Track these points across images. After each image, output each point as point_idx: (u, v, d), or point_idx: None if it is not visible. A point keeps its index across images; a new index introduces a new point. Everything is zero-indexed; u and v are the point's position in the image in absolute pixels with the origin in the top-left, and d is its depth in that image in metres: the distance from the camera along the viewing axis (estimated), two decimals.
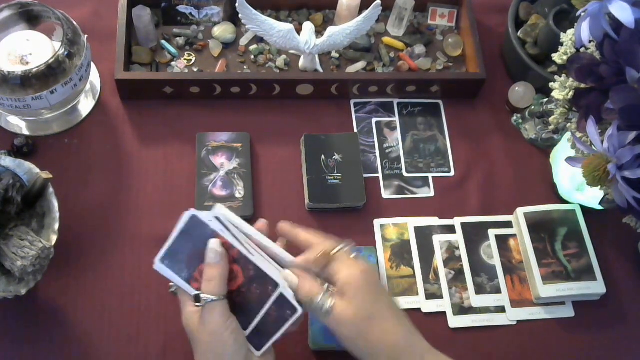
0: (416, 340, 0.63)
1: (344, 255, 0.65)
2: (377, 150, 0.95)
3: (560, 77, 0.76)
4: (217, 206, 0.67)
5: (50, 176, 0.75)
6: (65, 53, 0.81)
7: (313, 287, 0.63)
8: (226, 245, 0.65)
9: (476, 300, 0.84)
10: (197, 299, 0.64)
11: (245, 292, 0.65)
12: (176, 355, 0.78)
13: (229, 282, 0.65)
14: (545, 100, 0.95)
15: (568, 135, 0.78)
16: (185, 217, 0.64)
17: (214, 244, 0.64)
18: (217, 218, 0.65)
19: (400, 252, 0.87)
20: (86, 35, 0.85)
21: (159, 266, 0.65)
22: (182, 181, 0.89)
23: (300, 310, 0.63)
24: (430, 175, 0.94)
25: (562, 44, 0.76)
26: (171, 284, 0.68)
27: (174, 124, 0.93)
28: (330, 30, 0.92)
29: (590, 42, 0.68)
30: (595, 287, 0.85)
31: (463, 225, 0.90)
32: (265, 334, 0.65)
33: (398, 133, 0.96)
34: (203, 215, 0.64)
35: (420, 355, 0.62)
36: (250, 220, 0.85)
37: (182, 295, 0.66)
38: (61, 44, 0.81)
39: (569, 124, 0.76)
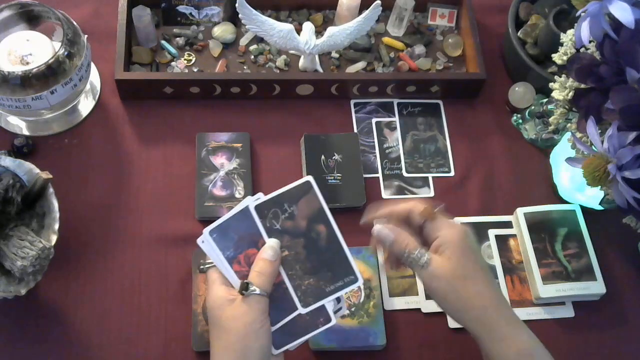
0: (503, 307, 0.65)
1: (444, 216, 0.68)
2: (377, 151, 0.95)
3: (560, 77, 0.76)
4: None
5: (50, 176, 0.75)
6: (65, 53, 0.81)
7: (410, 241, 0.66)
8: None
9: None
10: (245, 287, 0.62)
11: (286, 288, 0.64)
12: (176, 355, 0.78)
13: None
14: (545, 100, 0.95)
15: (568, 135, 0.78)
16: (251, 199, 0.64)
17: (274, 243, 0.64)
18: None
19: None
20: (86, 35, 0.85)
21: (206, 238, 0.63)
22: (182, 181, 0.89)
23: (333, 321, 0.64)
24: (430, 176, 0.94)
25: (562, 44, 0.76)
26: (203, 261, 0.66)
27: (174, 124, 0.93)
28: (330, 30, 0.92)
29: (590, 42, 0.68)
30: (595, 287, 0.85)
31: (463, 225, 0.89)
32: (289, 335, 0.64)
33: (398, 133, 0.96)
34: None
35: (506, 321, 0.65)
36: None
37: (214, 274, 0.64)
38: (61, 44, 0.81)
39: (569, 124, 0.76)
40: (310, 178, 0.65)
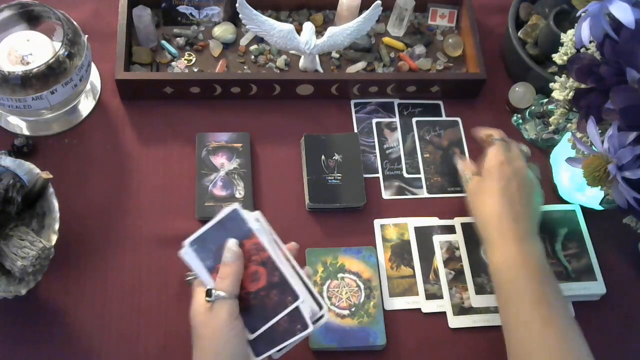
0: (505, 223, 0.76)
1: (501, 147, 0.82)
2: (377, 151, 0.95)
3: (561, 77, 0.76)
4: (257, 212, 0.68)
5: (50, 176, 0.75)
6: (66, 53, 0.81)
7: (467, 166, 0.86)
8: (259, 246, 0.65)
9: (476, 300, 0.84)
10: (208, 293, 0.64)
11: (263, 297, 0.65)
12: (176, 355, 0.78)
13: (251, 282, 0.65)
14: (545, 100, 0.95)
15: (568, 135, 0.78)
16: (228, 209, 0.65)
17: (231, 244, 0.65)
18: (257, 219, 0.66)
19: (400, 252, 0.87)
20: (86, 35, 0.85)
21: (187, 250, 0.66)
22: (182, 181, 0.89)
23: (310, 328, 0.64)
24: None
25: (562, 44, 0.76)
26: (188, 273, 0.68)
27: (174, 124, 0.93)
28: (331, 30, 0.92)
29: (590, 42, 0.68)
30: (595, 287, 0.85)
31: (463, 225, 0.89)
32: (269, 342, 0.65)
33: (398, 133, 0.96)
34: (245, 213, 0.65)
35: (500, 234, 0.76)
36: None
37: (197, 286, 0.66)
38: (61, 44, 0.81)
39: (569, 124, 0.76)
40: (236, 206, 0.66)
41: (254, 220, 0.66)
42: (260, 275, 0.65)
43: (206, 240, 0.66)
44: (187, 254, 0.66)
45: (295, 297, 0.64)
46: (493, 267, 0.76)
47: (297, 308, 0.64)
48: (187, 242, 0.66)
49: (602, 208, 0.89)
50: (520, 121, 0.98)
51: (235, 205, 0.65)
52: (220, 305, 0.63)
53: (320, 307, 0.65)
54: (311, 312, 0.65)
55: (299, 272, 0.67)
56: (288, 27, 0.91)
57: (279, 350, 0.65)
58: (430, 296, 0.84)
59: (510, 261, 0.74)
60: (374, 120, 0.97)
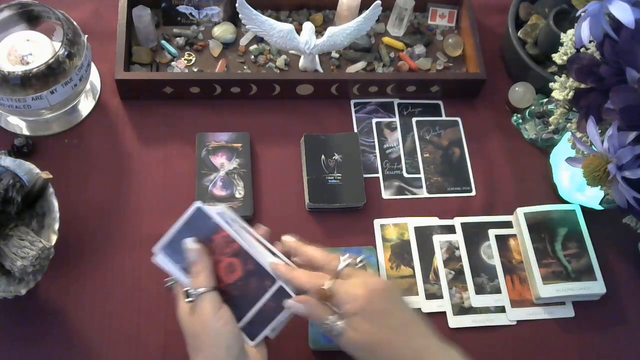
0: (429, 354, 0.63)
1: (350, 272, 0.65)
2: (377, 151, 0.95)
3: (560, 77, 0.76)
4: (221, 206, 0.69)
5: (50, 176, 0.75)
6: (65, 53, 0.81)
7: (322, 310, 0.64)
8: (228, 239, 0.65)
9: (476, 300, 0.84)
10: (186, 295, 0.65)
11: (242, 286, 0.66)
12: (176, 355, 0.78)
13: (228, 275, 0.66)
14: (545, 100, 0.95)
15: (568, 135, 0.78)
16: (191, 209, 0.65)
17: (188, 244, 0.65)
18: (222, 212, 0.67)
19: (400, 252, 0.87)
20: (86, 35, 0.85)
21: (159, 256, 0.66)
22: (182, 181, 0.89)
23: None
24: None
25: (562, 44, 0.76)
26: (167, 279, 0.68)
27: (174, 124, 0.93)
28: (330, 30, 0.92)
29: (590, 42, 0.68)
30: (595, 287, 0.85)
31: (463, 225, 0.90)
32: (260, 324, 0.66)
33: (398, 133, 0.96)
34: (208, 209, 0.65)
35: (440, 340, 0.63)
36: (250, 220, 0.85)
37: (178, 290, 0.67)
38: (61, 44, 0.81)
39: (569, 124, 0.76)
40: (199, 204, 0.66)
41: (217, 214, 0.66)
42: (235, 267, 0.66)
43: (176, 243, 0.66)
44: (161, 260, 0.67)
45: (274, 280, 0.65)
46: None
47: (280, 288, 0.65)
48: (157, 248, 0.66)
49: (602, 208, 0.89)
50: (520, 121, 0.98)
51: (198, 203, 0.65)
52: (202, 301, 0.64)
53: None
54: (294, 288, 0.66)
55: (275, 252, 0.68)
56: (288, 27, 0.91)
57: (272, 330, 0.67)
58: (430, 296, 0.84)
59: None
60: (374, 120, 0.97)
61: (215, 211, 0.66)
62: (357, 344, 0.63)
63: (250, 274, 0.66)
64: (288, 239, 0.70)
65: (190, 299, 0.65)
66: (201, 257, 0.65)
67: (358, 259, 0.67)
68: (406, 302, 0.66)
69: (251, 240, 0.68)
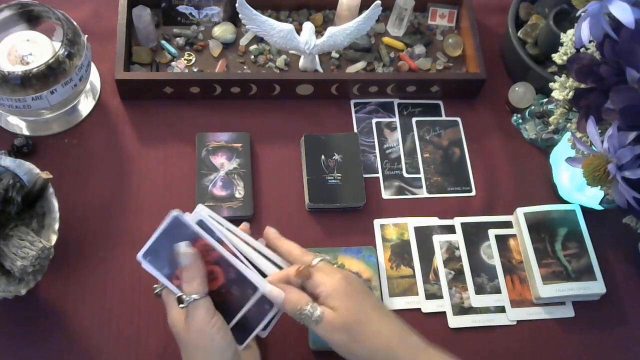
0: (409, 338, 0.64)
1: (324, 265, 0.66)
2: (377, 151, 0.95)
3: (560, 77, 0.76)
4: (199, 207, 0.67)
5: (50, 176, 0.75)
6: (65, 53, 0.81)
7: (300, 297, 0.64)
8: (208, 247, 0.65)
9: (476, 300, 0.84)
10: (180, 300, 0.65)
11: (225, 293, 0.66)
12: (176, 355, 0.78)
13: (210, 282, 0.66)
14: (545, 100, 0.95)
15: (568, 135, 0.78)
16: (169, 218, 0.65)
17: (183, 248, 0.65)
18: (201, 221, 0.66)
19: (400, 252, 0.87)
20: (86, 35, 0.85)
21: (143, 263, 0.66)
22: (182, 181, 0.89)
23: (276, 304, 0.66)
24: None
25: (562, 44, 0.76)
26: (155, 285, 0.68)
27: (174, 124, 0.93)
28: (330, 30, 0.92)
29: (590, 42, 0.68)
30: (595, 287, 0.85)
31: (463, 225, 0.90)
32: (246, 328, 0.67)
33: (398, 133, 0.96)
34: (186, 218, 0.65)
35: (415, 352, 0.63)
36: (250, 220, 0.85)
37: (167, 296, 0.67)
38: (61, 44, 0.81)
39: (569, 124, 0.76)
40: (176, 212, 0.65)
41: (199, 220, 0.66)
42: (217, 274, 0.66)
43: (157, 250, 0.66)
44: (145, 266, 0.66)
45: (255, 289, 0.65)
46: None
47: (262, 296, 0.65)
48: (139, 255, 0.66)
49: (602, 208, 0.89)
50: (520, 121, 0.98)
51: (175, 212, 0.65)
52: (195, 307, 0.64)
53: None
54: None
55: (261, 250, 0.68)
56: (288, 27, 0.91)
57: (260, 331, 0.67)
58: (430, 296, 0.84)
59: None
60: (374, 120, 0.97)
61: (195, 217, 0.66)
62: (336, 325, 0.62)
63: (231, 282, 0.66)
64: (269, 231, 0.71)
65: (183, 305, 0.64)
66: (195, 262, 0.65)
67: (333, 262, 0.68)
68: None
69: (237, 243, 0.67)
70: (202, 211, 0.67)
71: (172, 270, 0.66)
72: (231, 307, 0.66)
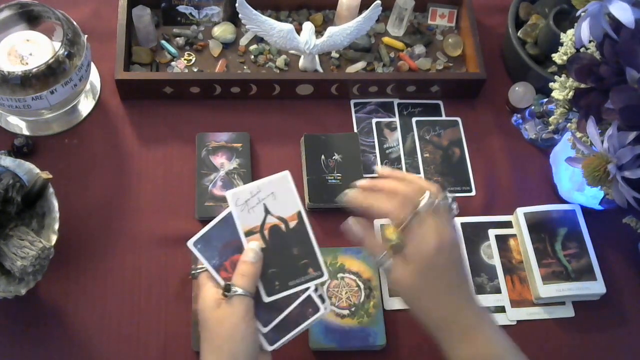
0: (463, 316, 0.65)
1: (425, 220, 0.63)
2: (377, 151, 0.95)
3: (560, 77, 0.76)
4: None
5: (50, 176, 0.75)
6: (65, 53, 0.81)
7: (375, 246, 0.66)
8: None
9: None
10: (227, 288, 0.63)
11: None
12: (176, 355, 0.78)
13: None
14: (545, 100, 0.95)
15: (568, 135, 0.78)
16: (227, 209, 0.65)
17: (255, 246, 0.64)
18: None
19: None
20: (86, 35, 0.85)
21: (191, 249, 0.65)
22: (182, 181, 0.89)
23: (322, 310, 0.65)
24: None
25: (562, 44, 0.76)
26: (195, 267, 0.67)
27: (174, 124, 0.93)
28: (330, 30, 0.92)
29: (590, 42, 0.68)
30: (595, 287, 0.85)
31: (463, 225, 0.89)
32: (282, 330, 0.65)
33: (398, 133, 0.96)
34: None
35: (463, 330, 0.64)
36: None
37: (205, 279, 0.65)
38: (61, 44, 0.81)
39: (569, 124, 0.76)
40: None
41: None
42: None
43: (211, 239, 0.65)
44: (196, 253, 0.65)
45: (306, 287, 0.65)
46: None
47: (308, 296, 0.65)
48: (190, 242, 0.65)
49: (602, 208, 0.89)
50: (520, 121, 0.98)
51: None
52: (239, 302, 0.62)
53: (323, 300, 0.66)
54: (319, 297, 0.66)
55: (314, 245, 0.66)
56: (288, 27, 0.91)
57: (292, 337, 0.66)
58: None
59: (479, 357, 0.65)
60: (374, 120, 0.97)
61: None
62: (402, 286, 0.65)
63: None
64: (381, 169, 0.72)
65: (229, 294, 0.62)
66: (258, 262, 0.64)
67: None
68: (463, 262, 0.67)
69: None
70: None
71: (222, 262, 0.65)
72: (278, 304, 0.65)
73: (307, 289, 0.65)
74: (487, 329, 0.65)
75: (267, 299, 0.65)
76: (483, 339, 0.64)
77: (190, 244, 0.65)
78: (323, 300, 0.66)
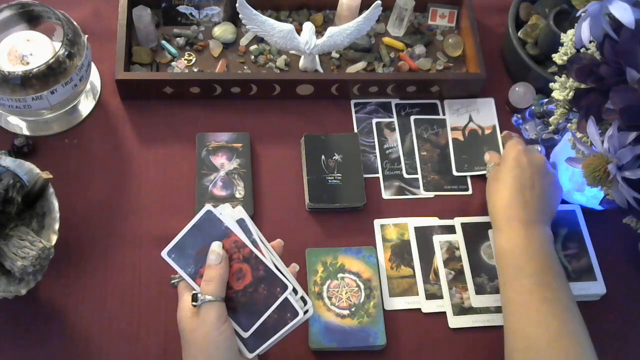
0: (514, 212, 0.79)
1: (516, 143, 0.85)
2: (377, 151, 0.95)
3: (560, 77, 0.76)
4: (226, 205, 0.67)
5: (51, 176, 0.75)
6: (66, 53, 0.81)
7: (493, 156, 0.89)
8: (238, 244, 0.65)
9: (476, 300, 0.84)
10: (194, 298, 0.64)
11: (252, 292, 0.65)
12: (176, 355, 0.78)
13: (237, 281, 0.65)
14: (546, 100, 0.95)
15: (568, 135, 0.78)
16: (201, 211, 0.64)
17: (216, 246, 0.64)
18: (242, 219, 0.66)
19: (400, 252, 0.87)
20: (86, 35, 0.85)
21: (165, 259, 0.65)
22: (182, 181, 0.89)
23: (301, 314, 0.64)
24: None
25: (562, 44, 0.76)
26: (173, 276, 0.68)
27: (174, 124, 0.93)
28: (331, 30, 0.92)
29: (590, 42, 0.68)
30: (595, 287, 0.85)
31: (463, 225, 0.89)
32: (262, 336, 0.65)
33: (397, 134, 0.96)
34: (219, 212, 0.65)
35: (508, 222, 0.79)
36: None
37: (182, 289, 0.66)
38: (61, 44, 0.81)
39: (569, 124, 0.76)
40: (209, 207, 0.65)
41: (230, 217, 0.65)
42: (245, 272, 0.65)
43: (184, 247, 0.65)
44: (170, 263, 0.66)
45: (284, 287, 0.64)
46: (498, 251, 0.79)
47: (285, 298, 0.64)
48: (163, 252, 0.65)
49: (602, 208, 0.89)
50: (520, 121, 0.98)
51: (208, 206, 0.65)
52: (208, 309, 0.63)
53: (305, 302, 0.66)
54: (299, 303, 0.65)
55: (281, 269, 0.66)
56: (288, 27, 0.91)
57: (271, 344, 0.66)
58: (430, 296, 0.84)
59: (514, 246, 0.77)
60: (374, 120, 0.97)
61: (225, 214, 0.65)
62: (488, 181, 0.86)
63: (260, 280, 0.65)
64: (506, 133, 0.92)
65: (196, 303, 0.63)
66: (221, 263, 0.64)
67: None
68: (546, 190, 0.82)
69: (263, 246, 0.67)
70: (228, 207, 0.67)
71: (197, 269, 0.65)
72: (256, 307, 0.65)
73: (285, 289, 0.65)
74: (524, 230, 0.77)
75: (245, 335, 0.65)
76: (518, 236, 0.77)
77: (164, 254, 0.65)
78: (305, 302, 0.66)
